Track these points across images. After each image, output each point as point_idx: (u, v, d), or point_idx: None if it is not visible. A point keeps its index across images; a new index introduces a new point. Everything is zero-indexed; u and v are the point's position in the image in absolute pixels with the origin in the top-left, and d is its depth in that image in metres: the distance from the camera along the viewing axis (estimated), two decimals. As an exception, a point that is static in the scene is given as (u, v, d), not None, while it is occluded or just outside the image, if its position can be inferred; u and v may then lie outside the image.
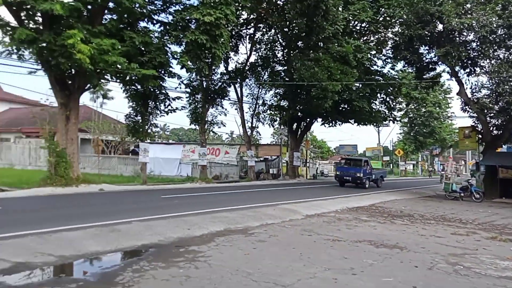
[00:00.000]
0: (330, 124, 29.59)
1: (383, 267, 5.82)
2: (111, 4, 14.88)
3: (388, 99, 28.35)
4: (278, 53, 28.08)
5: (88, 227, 7.46)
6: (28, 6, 12.43)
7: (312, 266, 5.59)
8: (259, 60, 27.56)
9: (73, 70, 14.54)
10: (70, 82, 15.19)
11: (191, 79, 21.98)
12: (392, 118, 30.29)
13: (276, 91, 29.00)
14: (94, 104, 33.44)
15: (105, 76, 16.11)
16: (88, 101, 33.74)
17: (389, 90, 26.83)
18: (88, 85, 15.50)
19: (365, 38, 26.63)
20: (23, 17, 13.40)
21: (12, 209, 9.92)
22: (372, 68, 26.37)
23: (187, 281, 4.72)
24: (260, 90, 28.38)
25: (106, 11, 15.39)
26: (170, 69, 17.79)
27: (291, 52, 25.93)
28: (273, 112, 29.70)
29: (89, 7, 14.01)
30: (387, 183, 28.44)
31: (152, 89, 18.10)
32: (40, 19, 13.64)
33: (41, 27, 13.62)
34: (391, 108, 29.11)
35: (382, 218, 11.07)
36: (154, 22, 17.42)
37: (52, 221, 8.01)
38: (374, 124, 32.71)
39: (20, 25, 12.97)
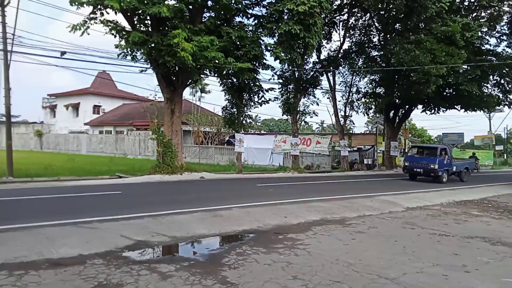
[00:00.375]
0: (432, 111, 27.22)
1: (502, 266, 5.26)
2: (209, 3, 15.71)
3: (502, 82, 25.02)
4: (373, 37, 26.67)
5: (194, 212, 8.10)
6: (140, 11, 13.81)
7: (418, 261, 5.30)
8: (353, 46, 26.53)
9: (177, 67, 15.77)
10: (174, 78, 16.53)
11: (284, 70, 22.16)
12: (507, 103, 26.70)
13: (371, 78, 27.66)
14: (193, 98, 35.83)
15: (204, 71, 17.15)
16: (187, 95, 36.14)
17: (504, 71, 23.63)
18: (190, 80, 16.67)
19: (474, 14, 23.78)
20: (135, 22, 14.94)
21: (130, 194, 11.25)
22: (483, 48, 23.46)
23: (288, 267, 4.85)
24: (354, 78, 27.38)
25: (205, 10, 16.31)
26: (264, 61, 18.22)
27: (388, 35, 24.42)
28: (367, 100, 28.43)
29: (190, 7, 14.99)
30: (500, 175, 25.24)
31: (246, 82, 18.75)
32: (149, 22, 15.07)
33: (150, 29, 15.04)
34: (507, 91, 25.63)
35: (497, 214, 9.94)
36: (249, 16, 17.92)
37: (163, 205, 8.90)
38: (485, 109, 29.22)
39: (133, 29, 14.49)
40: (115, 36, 14.26)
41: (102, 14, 13.69)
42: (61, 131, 38.85)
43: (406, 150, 27.69)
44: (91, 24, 13.19)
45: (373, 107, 28.50)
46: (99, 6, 13.05)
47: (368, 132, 39.58)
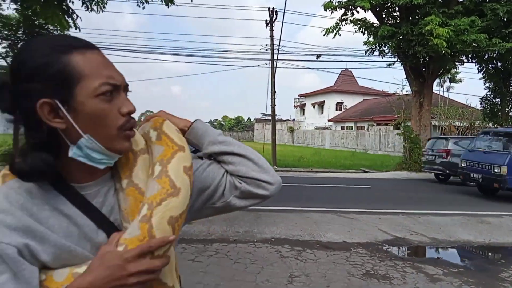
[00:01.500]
0: None
1: None
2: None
3: None
4: None
5: (453, 214, 7.34)
6: (388, 4, 13.62)
7: None
8: None
9: (427, 57, 14.69)
10: (424, 69, 15.46)
11: None
12: None
13: None
14: (440, 89, 32.59)
15: (460, 58, 15.24)
16: (434, 87, 33.11)
17: None
18: (442, 70, 15.21)
19: None
20: (383, 16, 14.84)
21: (379, 189, 11.28)
22: None
23: None
24: None
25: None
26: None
27: None
28: None
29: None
30: None
31: (515, 65, 15.44)
32: (398, 14, 14.64)
33: (398, 21, 14.60)
34: None
35: None
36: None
37: (415, 204, 8.48)
38: None
39: (381, 24, 14.45)
40: (363, 34, 14.62)
41: (352, 14, 14.29)
42: (309, 127, 43.30)
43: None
44: (342, 25, 13.99)
45: None
46: (350, 7, 13.66)
47: None
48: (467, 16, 12.47)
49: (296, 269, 4.27)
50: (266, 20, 15.74)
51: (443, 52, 12.37)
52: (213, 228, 5.84)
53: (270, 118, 18.03)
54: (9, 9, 12.25)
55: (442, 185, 12.64)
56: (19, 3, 6.59)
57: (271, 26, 15.72)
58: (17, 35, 12.49)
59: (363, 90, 42.35)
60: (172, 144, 0.79)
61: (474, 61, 15.79)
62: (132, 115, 0.75)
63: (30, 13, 11.97)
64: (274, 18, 15.52)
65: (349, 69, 38.05)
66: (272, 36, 15.84)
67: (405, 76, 15.83)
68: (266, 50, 16.37)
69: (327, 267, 4.36)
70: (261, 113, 65.27)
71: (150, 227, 0.68)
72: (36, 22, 11.45)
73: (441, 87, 32.37)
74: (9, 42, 12.43)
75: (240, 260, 4.50)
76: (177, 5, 7.33)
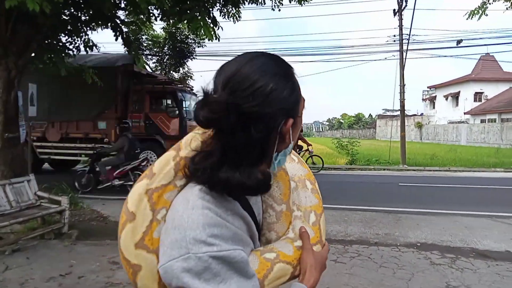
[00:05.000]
0: None
1: None
2: None
3: None
4: None
5: None
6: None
7: None
8: None
9: None
10: None
11: None
12: None
13: None
14: None
15: None
16: None
17: None
18: None
19: None
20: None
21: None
22: None
23: None
24: None
25: None
26: None
27: None
28: None
29: None
30: None
31: None
32: None
33: None
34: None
35: None
36: None
37: None
38: None
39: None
40: (517, 10, 12.44)
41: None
42: (440, 121, 39.21)
43: None
44: (489, 3, 12.17)
45: None
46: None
47: None
48: None
49: (452, 278, 3.87)
50: (394, 9, 14.74)
51: None
52: (350, 229, 5.72)
53: (393, 114, 16.90)
54: (159, 28, 14.08)
55: None
56: (165, 20, 7.42)
57: (400, 15, 14.67)
58: (163, 50, 14.30)
59: (510, 77, 36.41)
60: (321, 203, 0.98)
61: None
62: None
63: (174, 30, 13.70)
64: (403, 6, 14.44)
65: (491, 54, 33.24)
66: (401, 26, 14.78)
67: None
68: (394, 41, 15.34)
69: (492, 279, 3.84)
70: (383, 109, 61.77)
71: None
72: (178, 38, 12.96)
73: None
74: (158, 57, 14.32)
75: (386, 264, 4.29)
76: (305, 5, 7.35)
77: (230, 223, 0.73)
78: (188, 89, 10.99)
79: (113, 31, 7.16)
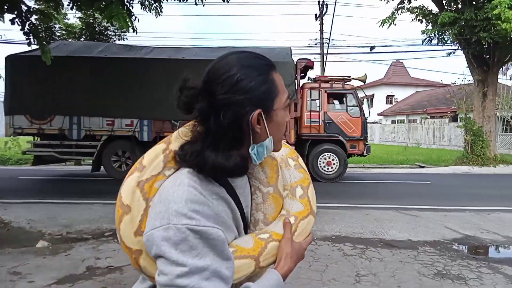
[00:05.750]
0: None
1: None
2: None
3: None
4: None
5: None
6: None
7: None
8: None
9: (492, 44, 13.68)
10: (488, 56, 14.38)
11: None
12: None
13: None
14: (503, 77, 30.11)
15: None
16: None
17: None
18: (509, 56, 14.06)
19: None
20: (443, 2, 13.93)
21: (440, 184, 10.71)
22: None
23: None
24: None
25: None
26: None
27: None
28: None
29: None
30: None
31: None
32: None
33: (459, 6, 13.67)
34: None
35: None
36: None
37: (482, 200, 7.94)
38: None
39: (441, 10, 13.58)
40: (421, 22, 13.84)
41: (409, 1, 13.57)
42: (357, 121, 42.09)
43: None
44: (398, 14, 13.36)
45: None
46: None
47: None
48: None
49: (362, 268, 4.14)
50: (316, 14, 15.44)
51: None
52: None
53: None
54: (74, 18, 13.08)
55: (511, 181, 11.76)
56: (78, 9, 6.91)
57: (321, 20, 15.41)
58: (80, 41, 13.30)
59: (416, 82, 40.43)
60: (308, 175, 1.03)
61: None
62: None
63: (91, 21, 12.83)
64: (324, 11, 15.19)
65: (400, 60, 36.53)
66: (322, 30, 15.54)
67: (466, 65, 14.81)
68: (316, 44, 16.08)
69: (395, 266, 4.19)
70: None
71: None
72: (96, 29, 12.15)
73: (504, 75, 29.82)
74: (73, 48, 13.29)
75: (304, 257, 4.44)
76: (232, 3, 7.34)
77: (214, 206, 0.78)
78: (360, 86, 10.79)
79: (18, 18, 6.45)
